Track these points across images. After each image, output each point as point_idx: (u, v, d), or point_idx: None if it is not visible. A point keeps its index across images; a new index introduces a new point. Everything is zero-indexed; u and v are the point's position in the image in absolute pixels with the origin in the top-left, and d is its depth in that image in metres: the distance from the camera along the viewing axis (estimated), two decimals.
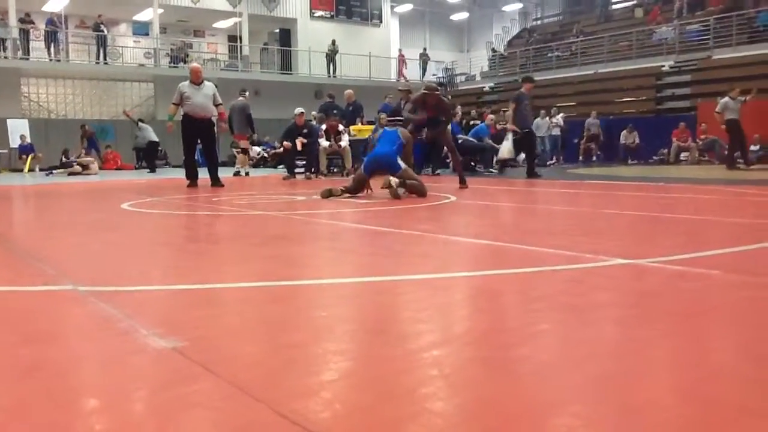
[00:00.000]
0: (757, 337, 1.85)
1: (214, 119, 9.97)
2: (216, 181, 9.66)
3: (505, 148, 11.74)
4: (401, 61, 27.23)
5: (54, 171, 16.54)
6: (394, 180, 7.04)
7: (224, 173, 10.62)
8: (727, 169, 13.10)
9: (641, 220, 5.03)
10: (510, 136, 11.44)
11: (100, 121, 22.59)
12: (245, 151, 14.36)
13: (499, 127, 17.63)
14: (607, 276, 2.74)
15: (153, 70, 23.64)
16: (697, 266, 2.86)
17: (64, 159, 17.83)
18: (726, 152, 14.54)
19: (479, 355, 1.70)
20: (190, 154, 9.86)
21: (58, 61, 21.90)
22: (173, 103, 9.72)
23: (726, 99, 13.46)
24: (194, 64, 10.86)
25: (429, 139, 9.48)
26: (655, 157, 18.06)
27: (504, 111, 19.64)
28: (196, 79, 9.65)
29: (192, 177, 9.65)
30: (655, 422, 1.27)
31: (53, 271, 2.92)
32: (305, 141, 12.08)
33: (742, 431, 1.23)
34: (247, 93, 13.77)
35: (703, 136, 17.39)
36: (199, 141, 9.88)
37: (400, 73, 27.33)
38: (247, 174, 13.49)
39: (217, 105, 9.77)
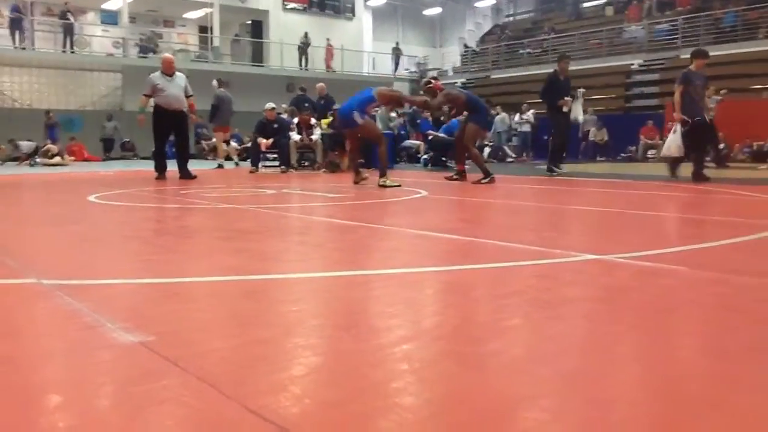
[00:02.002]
0: (722, 332, 1.88)
1: (185, 110, 9.85)
2: (186, 174, 9.56)
3: (673, 144, 8.91)
4: (329, 51, 26.66)
5: (38, 160, 16.27)
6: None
7: (192, 166, 10.48)
8: (717, 168, 13.20)
9: (610, 216, 5.09)
10: (678, 129, 8.83)
11: (67, 111, 22.17)
12: (228, 142, 14.55)
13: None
14: (577, 271, 2.77)
15: (121, 60, 23.25)
16: (665, 262, 2.90)
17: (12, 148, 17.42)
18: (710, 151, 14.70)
19: (450, 349, 1.70)
20: (161, 147, 9.73)
21: (23, 49, 21.42)
22: (144, 95, 9.56)
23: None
24: (167, 55, 10.62)
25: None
26: (623, 154, 18.30)
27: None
28: (169, 71, 9.51)
29: (161, 169, 9.54)
30: (623, 417, 1.28)
31: (16, 264, 2.86)
32: (269, 142, 12.11)
33: (708, 426, 1.25)
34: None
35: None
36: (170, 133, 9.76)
37: (327, 64, 26.73)
38: (221, 166, 13.45)
39: (188, 96, 9.63)
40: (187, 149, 10.07)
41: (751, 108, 16.29)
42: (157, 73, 9.52)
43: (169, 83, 9.40)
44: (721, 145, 16.15)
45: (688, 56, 9.10)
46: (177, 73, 9.65)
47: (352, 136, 8.48)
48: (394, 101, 8.71)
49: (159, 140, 9.68)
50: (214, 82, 13.71)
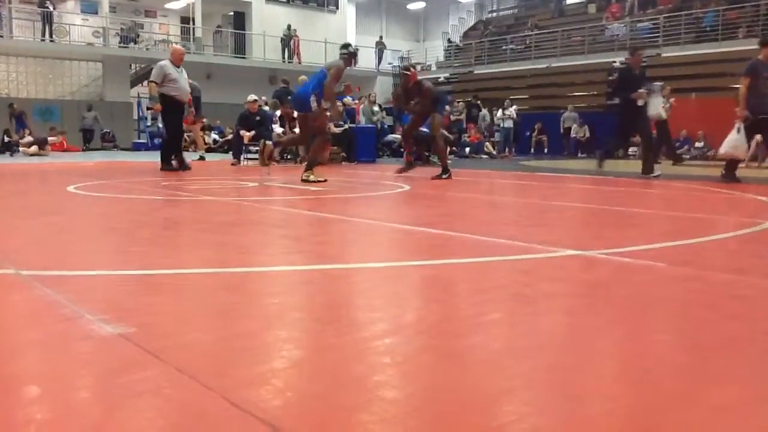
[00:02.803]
0: (697, 328, 1.91)
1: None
2: (170, 165, 9.56)
3: (736, 143, 7.87)
4: (296, 41, 26.35)
5: (19, 149, 16.06)
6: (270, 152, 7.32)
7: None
8: (674, 165, 13.51)
9: (591, 213, 5.13)
10: (741, 127, 7.83)
11: (46, 101, 21.89)
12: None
13: (453, 118, 17.68)
14: (557, 266, 2.79)
15: (102, 49, 22.99)
16: (644, 258, 2.93)
17: (6, 139, 17.26)
18: (666, 149, 15.06)
19: (431, 343, 1.71)
20: (169, 137, 9.79)
21: (1, 37, 21.11)
22: (154, 82, 9.39)
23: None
24: (178, 46, 10.52)
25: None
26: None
27: (458, 102, 19.81)
28: (178, 63, 9.50)
29: (169, 160, 9.54)
30: (600, 411, 1.29)
31: None
32: (251, 135, 12.02)
33: (684, 419, 1.26)
34: None
35: None
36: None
37: (295, 53, 26.30)
38: (202, 158, 13.28)
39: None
40: (181, 142, 10.15)
41: (731, 107, 16.44)
42: (167, 62, 9.45)
43: (180, 75, 9.43)
44: (701, 143, 16.40)
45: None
46: (180, 67, 9.65)
47: (305, 123, 7.86)
48: (335, 82, 7.70)
49: (169, 131, 9.72)
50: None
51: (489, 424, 1.23)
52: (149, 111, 9.74)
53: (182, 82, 9.41)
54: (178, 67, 9.47)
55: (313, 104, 7.29)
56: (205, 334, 1.76)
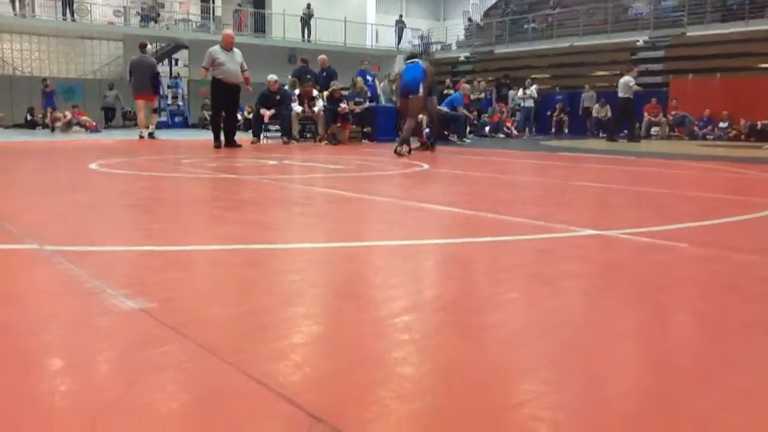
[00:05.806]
0: (720, 309, 1.89)
1: (240, 84, 10.28)
2: (233, 143, 10.03)
3: None
4: (241, 15, 25.68)
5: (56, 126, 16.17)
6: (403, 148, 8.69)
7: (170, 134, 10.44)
8: (607, 141, 14.63)
9: (611, 193, 5.08)
10: None
11: (67, 80, 22.04)
12: (155, 111, 13.61)
13: (473, 97, 17.54)
14: (577, 246, 2.77)
15: (122, 29, 23.06)
16: (665, 238, 2.90)
17: (29, 117, 17.44)
18: (613, 127, 15.43)
19: (450, 321, 1.71)
20: (217, 118, 10.25)
21: (24, 16, 21.23)
22: (204, 67, 10.05)
23: (629, 78, 14.61)
24: (227, 31, 11.04)
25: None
26: (626, 131, 18.20)
27: (479, 81, 19.63)
28: (228, 46, 9.97)
29: (219, 139, 10.03)
30: (619, 391, 1.29)
31: (17, 230, 2.86)
32: (271, 113, 12.08)
33: (703, 401, 1.26)
34: (148, 48, 13.10)
35: (673, 112, 17.60)
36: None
37: (240, 27, 25.52)
38: (151, 135, 12.57)
39: (244, 70, 10.15)
40: (235, 120, 10.76)
41: (757, 87, 16.19)
42: (217, 47, 9.98)
43: (228, 58, 9.87)
44: (725, 124, 16.14)
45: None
46: (234, 49, 10.07)
47: (407, 106, 9.32)
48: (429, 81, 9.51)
49: (217, 112, 10.26)
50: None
51: (507, 402, 1.24)
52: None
53: (229, 64, 9.84)
54: (229, 50, 9.92)
55: (420, 91, 9.06)
56: (225, 309, 1.78)
